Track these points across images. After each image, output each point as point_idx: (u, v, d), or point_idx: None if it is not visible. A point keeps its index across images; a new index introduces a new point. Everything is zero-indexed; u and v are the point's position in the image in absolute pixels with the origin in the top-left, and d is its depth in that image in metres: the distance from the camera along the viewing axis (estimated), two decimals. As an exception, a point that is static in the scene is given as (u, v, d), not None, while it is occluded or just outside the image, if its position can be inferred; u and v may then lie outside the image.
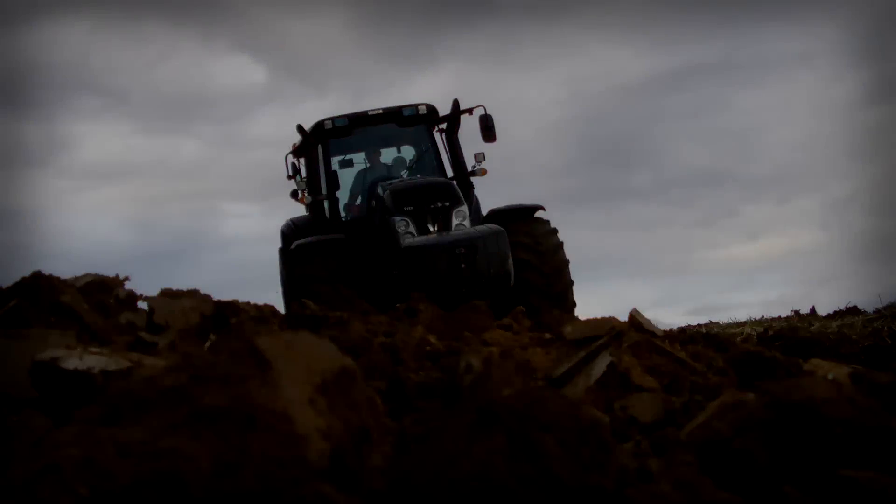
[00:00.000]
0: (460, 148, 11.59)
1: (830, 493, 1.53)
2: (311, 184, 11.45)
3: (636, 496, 1.51)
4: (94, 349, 2.78)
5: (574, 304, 10.55)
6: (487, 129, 11.16)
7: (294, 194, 11.77)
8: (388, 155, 12.42)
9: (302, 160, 11.96)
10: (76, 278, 4.04)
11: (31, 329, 3.13)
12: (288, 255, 10.97)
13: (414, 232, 10.11)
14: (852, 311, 8.75)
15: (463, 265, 9.46)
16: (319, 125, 11.48)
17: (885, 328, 5.20)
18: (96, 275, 4.16)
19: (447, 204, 10.39)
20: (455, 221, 10.28)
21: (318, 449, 1.53)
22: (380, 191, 10.84)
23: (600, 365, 2.98)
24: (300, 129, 11.54)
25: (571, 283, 10.66)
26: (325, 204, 11.48)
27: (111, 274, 4.15)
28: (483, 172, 11.41)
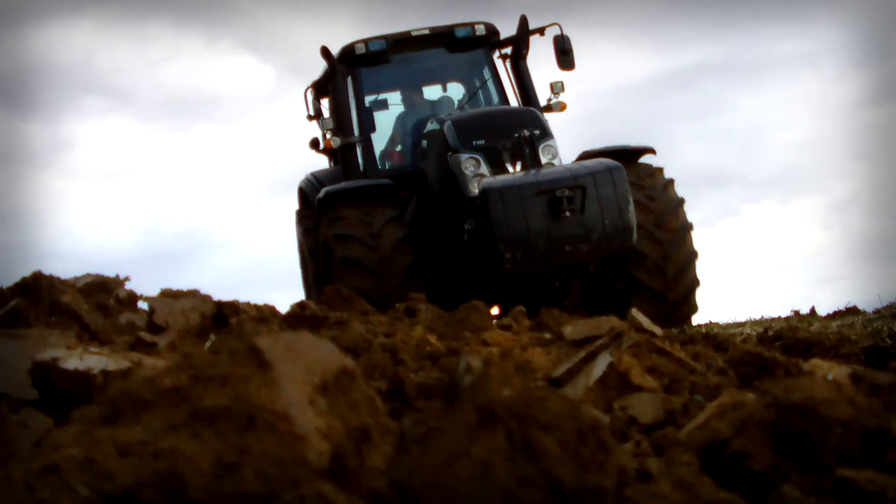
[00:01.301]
0: (530, 77, 8.98)
1: (830, 493, 1.53)
2: (340, 123, 8.61)
3: (636, 496, 1.51)
4: (94, 349, 2.78)
5: (695, 309, 7.80)
6: (564, 53, 8.62)
7: (314, 143, 9.34)
8: (430, 95, 9.49)
9: (324, 102, 9.19)
10: (76, 278, 4.04)
11: (31, 329, 3.13)
12: (315, 211, 8.12)
13: (487, 174, 7.48)
14: (852, 311, 8.74)
15: (566, 212, 6.86)
16: (349, 50, 8.73)
17: (885, 328, 5.20)
18: (97, 275, 4.16)
19: (535, 133, 7.64)
20: (543, 160, 7.62)
21: (318, 449, 1.53)
22: (433, 127, 8.16)
23: (600, 365, 2.98)
24: (325, 52, 8.75)
25: (697, 278, 7.67)
26: (358, 150, 8.72)
27: (113, 274, 4.16)
28: (562, 107, 8.75)
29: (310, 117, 9.19)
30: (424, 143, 8.39)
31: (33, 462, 1.45)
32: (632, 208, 7.07)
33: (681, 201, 7.81)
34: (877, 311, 6.87)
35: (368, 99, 9.03)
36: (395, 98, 9.49)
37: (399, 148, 9.17)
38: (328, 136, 8.74)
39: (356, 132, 8.69)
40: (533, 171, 7.41)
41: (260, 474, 1.46)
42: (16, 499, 1.38)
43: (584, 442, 1.40)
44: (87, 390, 2.50)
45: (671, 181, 7.92)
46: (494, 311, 7.73)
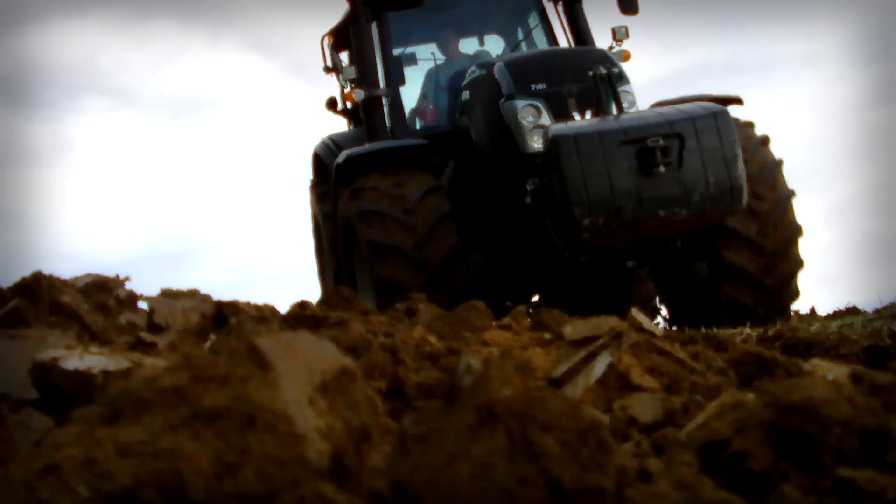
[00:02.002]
0: (587, 22, 7.70)
1: (830, 493, 1.53)
2: (363, 74, 7.26)
3: (636, 496, 1.51)
4: (94, 349, 2.78)
5: (797, 294, 6.48)
6: None
7: (331, 103, 8.05)
8: (465, 49, 8.05)
9: (343, 55, 7.95)
10: (76, 278, 4.05)
11: (32, 329, 3.13)
12: (332, 180, 6.84)
13: (550, 125, 6.03)
14: (852, 311, 8.74)
15: (660, 167, 5.48)
16: None
17: (885, 328, 5.19)
18: (97, 275, 4.17)
19: (613, 72, 6.14)
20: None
21: (318, 449, 1.53)
22: (477, 74, 6.85)
23: (600, 365, 2.97)
24: None
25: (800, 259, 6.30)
26: (385, 105, 7.35)
27: (113, 274, 4.17)
28: (627, 56, 7.25)
29: (327, 69, 7.91)
30: (466, 94, 6.98)
31: (33, 462, 1.45)
32: (741, 163, 5.66)
33: (779, 163, 6.40)
34: (877, 311, 6.86)
35: (396, 52, 7.67)
36: (423, 53, 8.04)
37: (432, 105, 7.69)
38: (348, 89, 7.42)
39: (382, 84, 7.35)
40: (615, 117, 5.91)
41: (260, 474, 1.46)
42: (16, 499, 1.38)
43: (584, 442, 1.40)
44: (87, 390, 2.50)
45: (766, 138, 6.52)
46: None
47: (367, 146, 6.76)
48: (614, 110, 6.13)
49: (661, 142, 5.55)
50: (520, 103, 6.30)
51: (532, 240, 6.34)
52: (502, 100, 6.44)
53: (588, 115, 6.21)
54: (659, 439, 2.35)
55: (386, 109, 7.41)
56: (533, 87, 6.36)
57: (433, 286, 5.61)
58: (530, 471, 1.35)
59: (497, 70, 6.53)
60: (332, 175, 6.98)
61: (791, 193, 6.44)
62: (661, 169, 5.54)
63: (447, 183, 6.85)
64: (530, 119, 6.29)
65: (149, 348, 3.22)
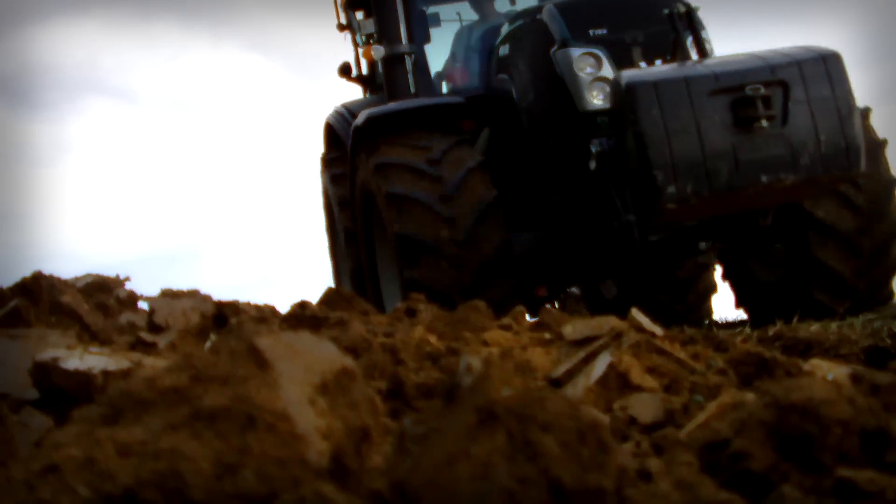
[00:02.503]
0: None
1: (830, 494, 1.53)
2: (384, 28, 6.31)
3: (636, 496, 1.51)
4: (94, 349, 2.78)
5: (890, 297, 5.53)
6: None
7: (345, 69, 6.99)
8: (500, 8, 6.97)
9: (359, 14, 6.89)
10: (76, 278, 4.05)
11: (32, 329, 3.13)
12: (349, 148, 5.83)
13: (610, 76, 5.02)
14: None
15: (761, 121, 4.50)
16: None
17: (885, 328, 5.19)
18: (97, 275, 4.17)
19: (692, 9, 5.08)
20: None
21: (318, 449, 1.53)
22: (519, 22, 5.85)
23: (600, 365, 2.98)
24: None
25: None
26: (409, 63, 6.34)
27: (113, 274, 4.17)
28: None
29: (340, 27, 7.00)
30: (505, 49, 5.94)
31: (33, 462, 1.45)
32: (858, 118, 4.66)
33: (882, 143, 5.36)
34: (877, 311, 6.85)
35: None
36: (447, 14, 7.03)
37: (461, 65, 6.64)
38: (363, 47, 6.49)
39: (404, 41, 6.38)
40: (695, 62, 4.83)
41: (260, 474, 1.46)
42: (16, 499, 1.38)
43: (584, 442, 1.40)
44: (87, 390, 2.50)
45: (868, 110, 5.40)
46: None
47: (393, 104, 5.72)
48: (695, 57, 5.00)
49: (763, 90, 4.50)
50: (576, 52, 5.20)
51: (592, 215, 5.36)
52: (554, 48, 5.37)
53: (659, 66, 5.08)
54: (659, 439, 2.35)
55: (410, 68, 6.38)
56: (591, 32, 5.28)
57: (476, 289, 4.78)
58: (530, 471, 1.35)
59: (547, 14, 5.43)
60: (349, 144, 5.93)
61: (894, 182, 5.41)
62: (763, 124, 4.52)
63: (481, 151, 5.81)
64: (589, 70, 5.18)
65: (149, 348, 3.22)
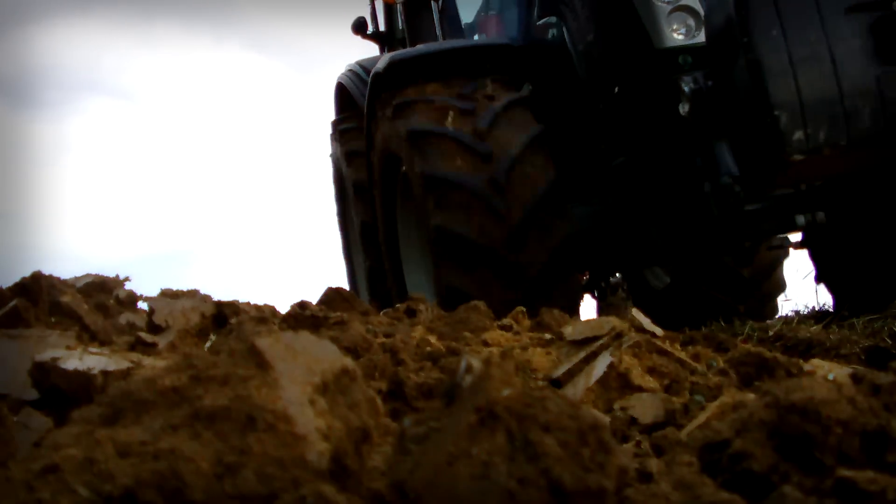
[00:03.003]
0: None
1: (830, 494, 1.53)
2: None
3: (636, 496, 1.51)
4: (94, 349, 2.78)
5: None
6: None
7: (359, 26, 6.08)
8: None
9: None
10: (76, 278, 4.05)
11: (31, 329, 3.13)
12: (366, 104, 4.75)
13: (695, 5, 4.06)
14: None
15: None
16: None
17: (886, 328, 5.18)
18: (97, 275, 4.16)
19: None
20: None
21: (318, 449, 1.53)
22: None
23: (600, 365, 2.97)
24: None
25: None
26: (435, 9, 5.34)
27: (113, 274, 4.17)
28: None
29: None
30: None
31: (33, 462, 1.45)
32: None
33: None
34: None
35: None
36: None
37: (496, 13, 5.54)
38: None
39: None
40: None
41: (260, 474, 1.46)
42: (15, 499, 1.37)
43: (585, 442, 1.40)
44: (87, 390, 2.50)
45: None
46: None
47: (422, 46, 4.68)
48: None
49: None
50: None
51: (671, 179, 4.30)
52: None
53: None
54: (659, 440, 2.35)
55: (436, 14, 5.34)
56: None
57: (531, 293, 4.08)
58: (530, 471, 1.35)
59: None
60: (366, 97, 4.90)
61: None
62: None
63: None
64: None
65: (149, 348, 3.21)
